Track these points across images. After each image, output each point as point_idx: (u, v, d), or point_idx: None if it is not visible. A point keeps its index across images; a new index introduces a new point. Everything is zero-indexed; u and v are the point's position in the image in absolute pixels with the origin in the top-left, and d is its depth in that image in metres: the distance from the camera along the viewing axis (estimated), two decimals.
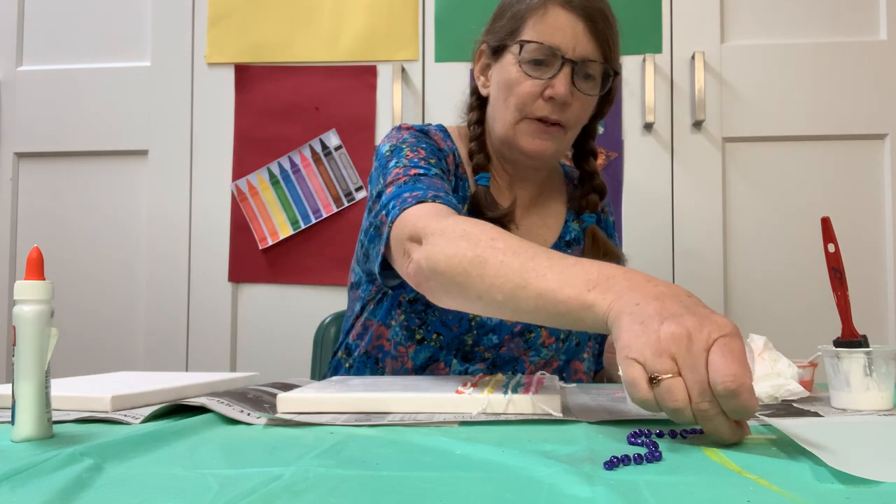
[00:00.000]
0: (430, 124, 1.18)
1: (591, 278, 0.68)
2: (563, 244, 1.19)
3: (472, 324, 1.08)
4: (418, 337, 1.08)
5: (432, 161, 1.05)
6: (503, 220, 1.09)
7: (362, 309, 1.18)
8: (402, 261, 0.90)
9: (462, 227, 0.83)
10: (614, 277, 0.67)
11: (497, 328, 1.09)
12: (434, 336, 1.08)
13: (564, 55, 1.03)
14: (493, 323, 1.08)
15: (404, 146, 1.07)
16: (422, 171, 1.01)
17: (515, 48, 1.06)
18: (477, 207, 1.10)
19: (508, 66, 1.07)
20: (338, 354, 1.22)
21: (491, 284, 0.76)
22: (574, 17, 1.03)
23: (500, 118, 1.10)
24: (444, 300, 0.86)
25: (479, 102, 1.16)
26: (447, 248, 0.82)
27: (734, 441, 0.58)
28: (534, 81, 1.04)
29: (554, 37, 1.04)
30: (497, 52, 1.10)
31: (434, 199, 0.93)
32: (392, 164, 1.04)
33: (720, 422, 0.56)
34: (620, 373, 0.59)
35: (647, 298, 0.62)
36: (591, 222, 1.19)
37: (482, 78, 1.14)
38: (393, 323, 1.10)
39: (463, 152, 1.17)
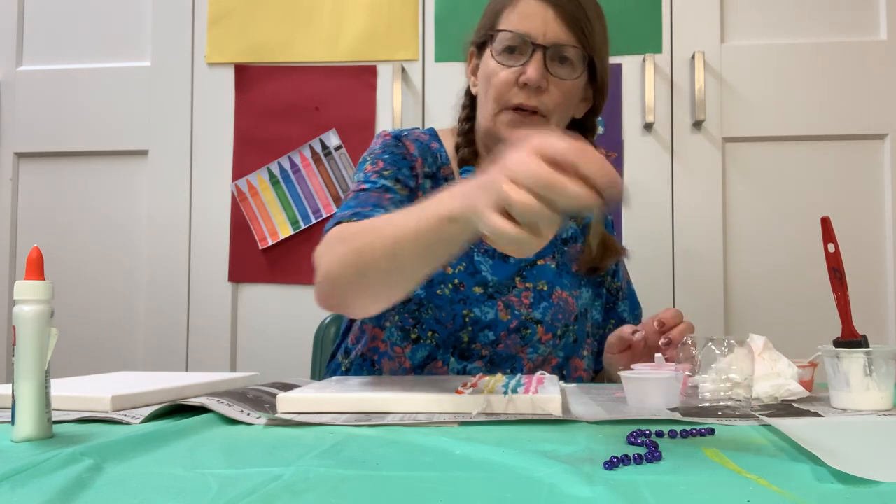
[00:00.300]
0: (416, 128, 1.21)
1: (442, 200, 0.74)
2: (560, 241, 1.20)
3: (467, 320, 1.08)
4: (413, 336, 1.09)
5: (387, 172, 1.09)
6: None
7: None
8: (318, 276, 0.96)
9: (339, 234, 0.92)
10: (458, 188, 0.73)
11: (492, 324, 1.09)
12: (430, 334, 1.08)
13: (535, 41, 1.06)
14: (488, 319, 1.09)
15: (368, 158, 1.13)
16: (367, 186, 1.06)
17: (491, 40, 1.09)
18: None
19: (487, 59, 1.10)
20: (336, 357, 1.23)
21: (376, 260, 0.83)
22: (543, 5, 1.06)
23: (483, 111, 1.13)
24: (357, 304, 0.93)
25: (470, 101, 1.19)
26: (331, 258, 0.90)
27: (589, 204, 0.60)
28: (509, 70, 1.07)
29: (524, 24, 1.06)
30: (480, 49, 1.13)
31: (352, 216, 0.98)
32: (355, 177, 1.11)
33: (574, 186, 0.59)
34: (487, 232, 0.63)
35: (484, 176, 0.67)
36: (590, 219, 1.19)
37: (472, 78, 1.17)
38: (387, 324, 1.11)
39: (453, 150, 1.19)
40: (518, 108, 1.08)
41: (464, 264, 1.11)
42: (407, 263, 0.81)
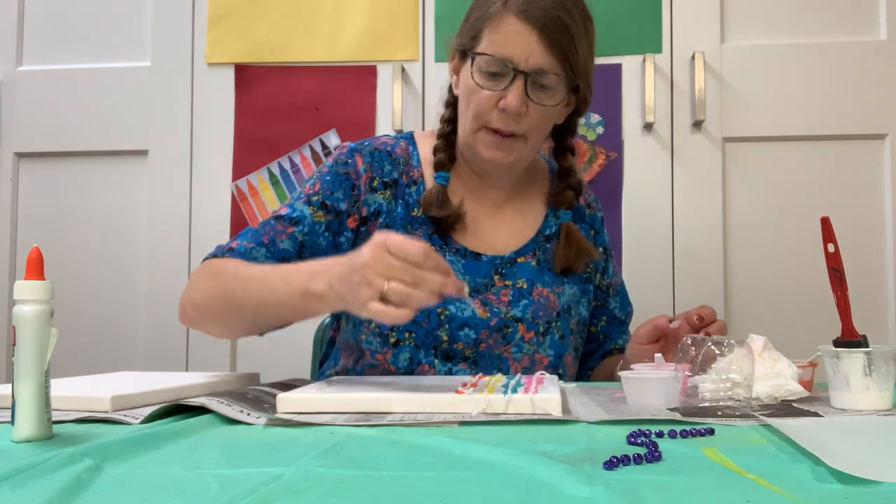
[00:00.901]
0: (384, 135, 1.19)
1: (311, 276, 0.89)
2: (543, 238, 1.18)
3: (442, 318, 1.07)
4: (392, 340, 1.07)
5: (315, 198, 1.10)
6: (449, 220, 1.11)
7: (337, 322, 1.20)
8: (182, 298, 1.07)
9: (216, 269, 1.02)
10: (322, 270, 0.89)
11: (471, 322, 1.08)
12: (407, 335, 1.07)
13: (517, 67, 1.03)
14: (465, 317, 1.08)
15: (316, 174, 1.14)
16: (286, 213, 1.09)
17: (472, 59, 1.06)
18: (426, 203, 1.12)
19: (467, 73, 1.07)
20: (323, 367, 1.22)
21: (243, 308, 0.98)
22: (528, 28, 1.02)
23: (462, 124, 1.12)
24: (217, 333, 1.08)
25: (454, 99, 1.16)
26: (203, 291, 1.02)
27: (449, 290, 0.80)
28: (489, 93, 1.05)
29: (506, 48, 1.03)
30: (462, 55, 1.10)
31: (226, 253, 1.05)
32: (296, 191, 1.15)
33: (432, 283, 0.79)
34: (369, 316, 0.80)
35: (344, 271, 0.84)
36: (566, 219, 1.19)
37: (455, 77, 1.14)
38: (363, 336, 1.09)
39: (428, 152, 1.17)
40: (497, 130, 1.07)
41: None
42: (269, 320, 0.98)
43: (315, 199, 1.10)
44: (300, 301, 0.91)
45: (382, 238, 0.80)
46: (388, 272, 0.79)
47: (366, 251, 0.81)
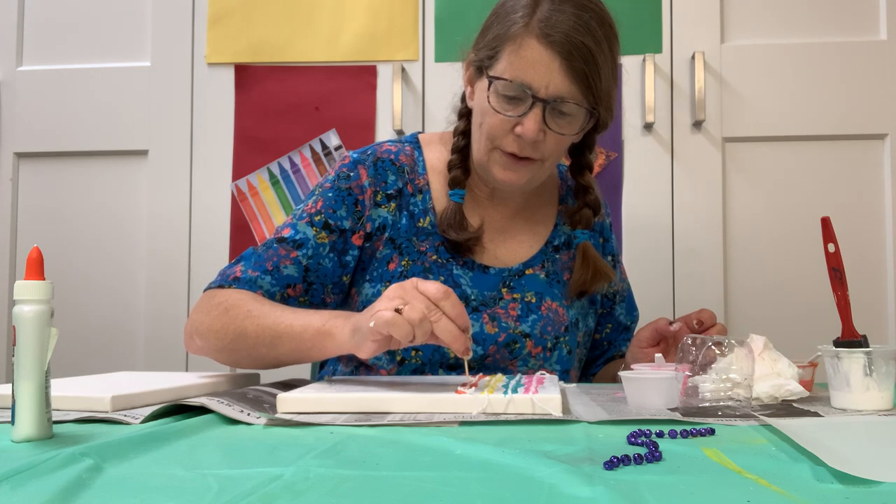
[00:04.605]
0: (387, 141, 1.17)
1: (323, 319, 0.92)
2: (552, 249, 1.16)
3: None
4: (399, 358, 1.05)
5: (318, 218, 1.07)
6: (468, 243, 1.08)
7: None
8: (188, 326, 1.06)
9: (226, 302, 1.00)
10: (341, 315, 0.91)
11: (478, 338, 1.06)
12: (413, 353, 1.05)
13: (536, 94, 0.98)
14: (473, 332, 1.05)
15: (318, 190, 1.11)
16: (288, 236, 1.07)
17: (488, 80, 1.02)
18: (444, 224, 1.09)
19: (483, 92, 1.03)
20: (322, 372, 1.21)
21: (256, 347, 0.96)
22: (550, 53, 0.97)
23: (475, 141, 1.08)
24: (224, 362, 1.04)
25: (468, 110, 1.12)
26: (214, 325, 0.99)
27: (457, 344, 0.80)
28: (504, 117, 1.01)
29: (526, 73, 0.98)
30: (479, 70, 1.06)
31: (232, 283, 1.04)
32: (299, 206, 1.12)
33: (446, 323, 0.79)
34: (372, 325, 0.79)
35: (368, 311, 0.84)
36: (583, 239, 1.16)
37: (469, 88, 1.10)
38: None
39: (435, 159, 1.15)
40: (512, 153, 1.03)
41: (442, 277, 1.08)
42: (283, 356, 0.96)
43: (318, 218, 1.07)
44: (312, 338, 0.91)
45: (411, 280, 0.83)
46: (408, 299, 0.80)
47: (388, 291, 0.83)
